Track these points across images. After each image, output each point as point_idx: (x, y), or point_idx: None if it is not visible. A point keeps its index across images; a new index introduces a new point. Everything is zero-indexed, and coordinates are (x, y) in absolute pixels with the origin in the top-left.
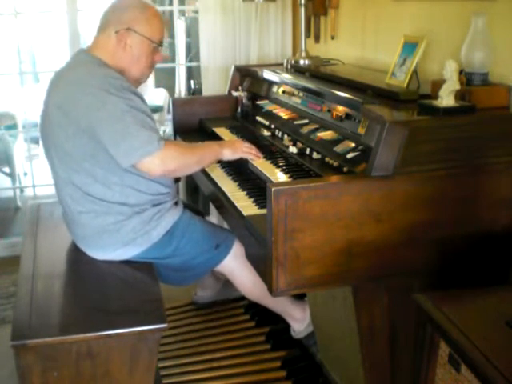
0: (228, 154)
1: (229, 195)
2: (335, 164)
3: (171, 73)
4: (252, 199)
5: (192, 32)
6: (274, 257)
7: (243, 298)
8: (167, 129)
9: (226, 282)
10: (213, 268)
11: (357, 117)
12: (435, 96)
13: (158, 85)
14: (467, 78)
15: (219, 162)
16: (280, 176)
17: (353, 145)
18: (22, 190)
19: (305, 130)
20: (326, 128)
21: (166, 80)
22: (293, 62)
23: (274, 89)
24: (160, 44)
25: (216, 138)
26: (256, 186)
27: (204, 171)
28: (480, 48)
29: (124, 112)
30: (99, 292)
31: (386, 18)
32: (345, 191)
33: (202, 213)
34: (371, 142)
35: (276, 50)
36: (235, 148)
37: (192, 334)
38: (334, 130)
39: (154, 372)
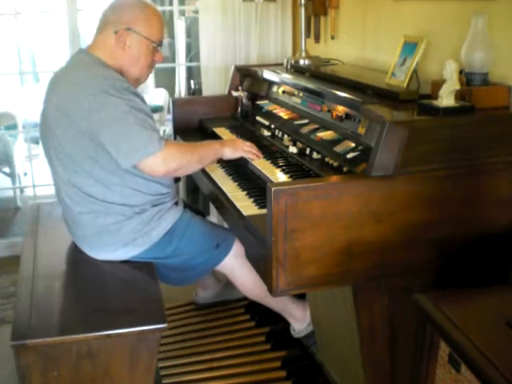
0: (229, 153)
1: (229, 195)
2: (335, 164)
3: (171, 73)
4: (252, 199)
5: (192, 32)
6: (273, 257)
7: (244, 298)
8: (167, 129)
9: (227, 283)
10: (213, 268)
11: (357, 117)
12: (435, 96)
13: (157, 85)
14: (467, 78)
15: (219, 161)
16: (280, 176)
17: (353, 145)
18: (21, 190)
19: (305, 129)
20: (326, 128)
21: (166, 80)
22: (293, 62)
23: (274, 89)
24: (159, 44)
25: (216, 137)
26: (256, 186)
27: (204, 171)
28: (480, 48)
29: (124, 113)
30: (99, 292)
31: (386, 18)
32: (345, 191)
33: (203, 212)
34: (371, 142)
35: (276, 50)
36: (236, 147)
37: (192, 334)
38: (334, 130)
39: (154, 372)
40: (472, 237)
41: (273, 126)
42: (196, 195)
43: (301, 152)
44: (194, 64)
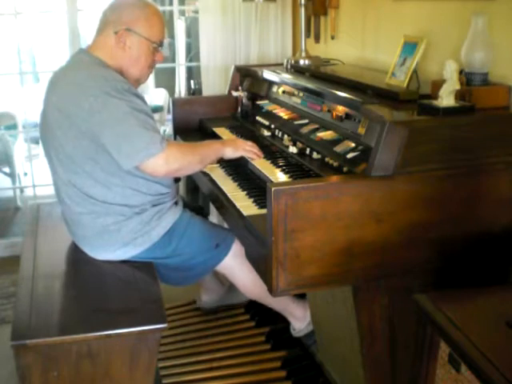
0: (230, 153)
1: (229, 195)
2: (335, 164)
3: (171, 73)
4: (252, 199)
5: (192, 32)
6: (273, 257)
7: (248, 301)
8: (167, 129)
9: (231, 286)
10: (213, 268)
11: (357, 117)
12: (435, 96)
13: (157, 85)
14: (467, 78)
15: (219, 161)
16: (280, 176)
17: (353, 145)
18: (21, 190)
19: (305, 130)
20: (326, 128)
21: (166, 80)
22: (293, 62)
23: (274, 89)
24: (160, 44)
25: (216, 137)
26: (256, 186)
27: (204, 171)
28: (480, 48)
29: (126, 114)
30: (99, 292)
31: (386, 18)
32: (345, 191)
33: (203, 208)
34: (371, 142)
35: (276, 50)
36: (237, 146)
37: (192, 334)
38: (334, 130)
39: (154, 372)
40: (472, 237)
41: (273, 126)
42: (196, 195)
43: (301, 152)
44: (194, 64)
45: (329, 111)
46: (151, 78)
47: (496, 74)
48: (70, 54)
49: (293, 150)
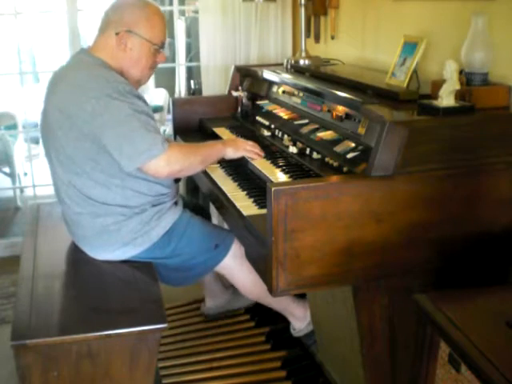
0: (231, 153)
1: (229, 195)
2: (335, 164)
3: (171, 73)
4: (252, 199)
5: (192, 32)
6: (273, 257)
7: (252, 305)
8: (167, 129)
9: (235, 291)
10: (212, 268)
11: (357, 117)
12: (435, 96)
13: (157, 85)
14: (467, 78)
15: (219, 161)
16: (280, 176)
17: (353, 145)
18: (21, 190)
19: (305, 130)
20: (326, 128)
21: (166, 80)
22: (293, 62)
23: (274, 89)
24: (161, 46)
25: (216, 137)
26: (256, 186)
27: (204, 171)
28: (480, 48)
29: (128, 116)
30: (99, 292)
31: (386, 18)
32: (345, 191)
33: (204, 207)
34: (371, 142)
35: (276, 50)
36: (238, 146)
37: (192, 334)
38: (334, 130)
39: (154, 372)
40: (472, 237)
41: (273, 126)
42: (196, 195)
43: (301, 152)
44: (193, 64)
45: (329, 111)
46: (151, 78)
47: (496, 74)
48: (70, 54)
49: (293, 150)
